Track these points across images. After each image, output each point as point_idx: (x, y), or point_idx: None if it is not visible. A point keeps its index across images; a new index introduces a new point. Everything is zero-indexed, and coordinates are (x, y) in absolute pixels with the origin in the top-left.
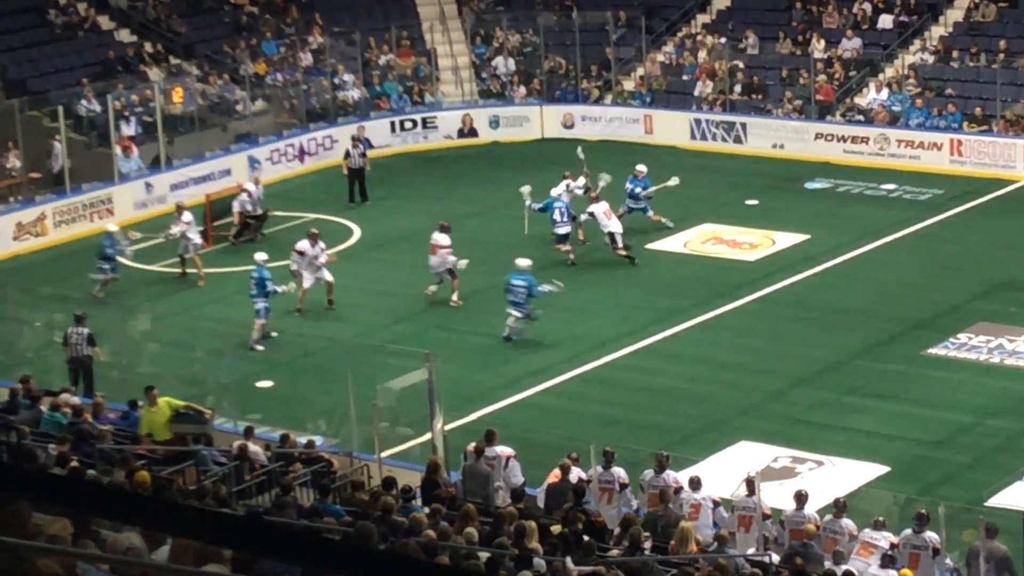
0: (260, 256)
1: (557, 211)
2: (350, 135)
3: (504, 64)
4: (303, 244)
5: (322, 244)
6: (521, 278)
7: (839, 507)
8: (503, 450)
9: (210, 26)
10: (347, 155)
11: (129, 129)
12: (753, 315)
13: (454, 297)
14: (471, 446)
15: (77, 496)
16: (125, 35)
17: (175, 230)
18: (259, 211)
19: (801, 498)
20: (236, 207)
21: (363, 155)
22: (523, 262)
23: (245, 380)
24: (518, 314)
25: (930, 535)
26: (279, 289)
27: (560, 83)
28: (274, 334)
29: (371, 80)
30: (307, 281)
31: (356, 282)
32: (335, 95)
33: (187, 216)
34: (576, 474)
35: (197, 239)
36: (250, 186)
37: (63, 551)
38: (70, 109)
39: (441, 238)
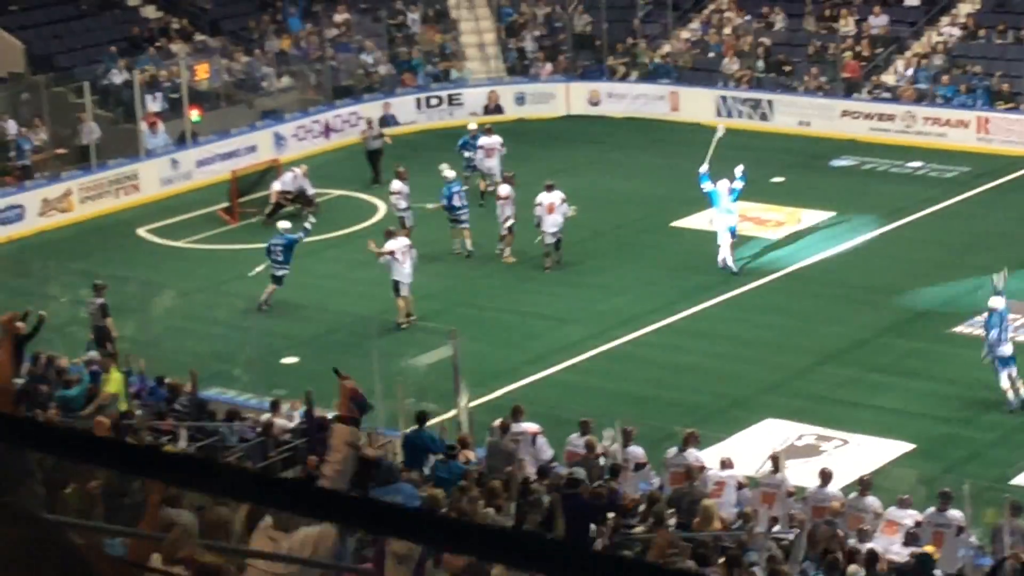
0: (284, 224)
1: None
2: (367, 118)
3: (530, 40)
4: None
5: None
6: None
7: (864, 485)
8: (529, 427)
9: (235, 2)
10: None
11: (155, 105)
12: (779, 292)
13: (506, 252)
14: (496, 422)
15: (126, 458)
16: (151, 11)
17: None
18: (305, 192)
19: (826, 476)
20: (277, 186)
21: (378, 137)
22: (999, 280)
23: (270, 356)
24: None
25: (954, 513)
26: (307, 226)
27: (584, 63)
28: (266, 301)
29: (398, 56)
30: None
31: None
32: (365, 71)
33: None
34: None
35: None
36: (297, 170)
37: (89, 526)
38: (96, 85)
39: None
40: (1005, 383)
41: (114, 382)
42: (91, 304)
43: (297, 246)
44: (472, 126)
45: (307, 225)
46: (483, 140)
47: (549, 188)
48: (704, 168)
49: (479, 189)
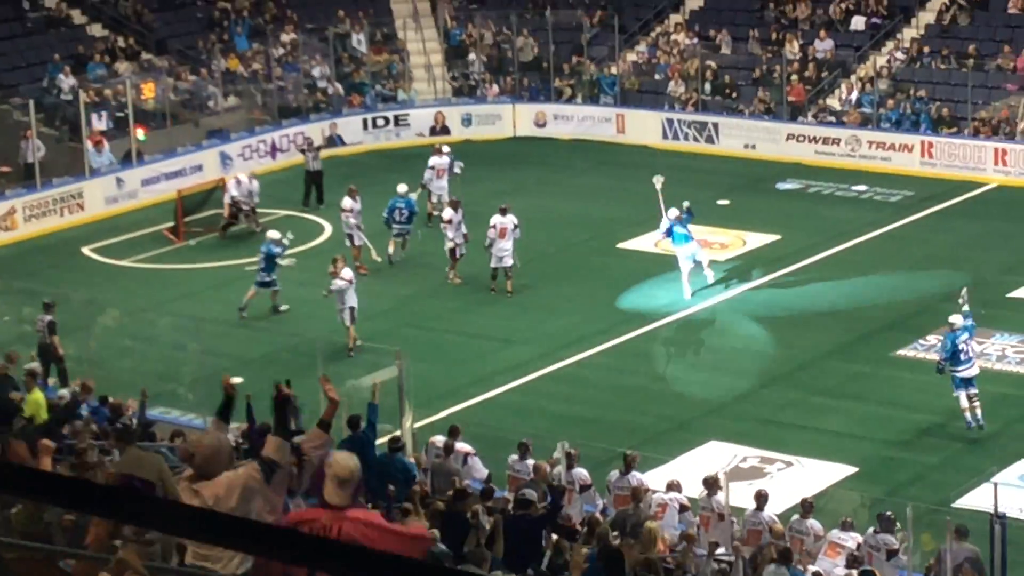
0: (273, 234)
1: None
2: (307, 138)
3: (477, 61)
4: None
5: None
6: (966, 331)
7: (806, 508)
8: (461, 447)
9: (182, 21)
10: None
11: (100, 124)
12: (723, 315)
13: (452, 274)
14: (438, 441)
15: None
16: (97, 29)
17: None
18: (251, 203)
19: (761, 498)
20: (227, 199)
21: (316, 158)
22: (957, 319)
23: (215, 376)
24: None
25: (886, 537)
26: (283, 263)
27: (531, 84)
28: (284, 307)
29: (348, 76)
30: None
31: (326, 278)
32: (313, 83)
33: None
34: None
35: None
36: (242, 176)
37: (37, 548)
38: (41, 103)
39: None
40: (964, 403)
41: (31, 404)
42: (40, 321)
43: (277, 259)
44: (445, 149)
45: (285, 241)
46: (433, 160)
47: (503, 211)
48: (664, 221)
49: (427, 211)
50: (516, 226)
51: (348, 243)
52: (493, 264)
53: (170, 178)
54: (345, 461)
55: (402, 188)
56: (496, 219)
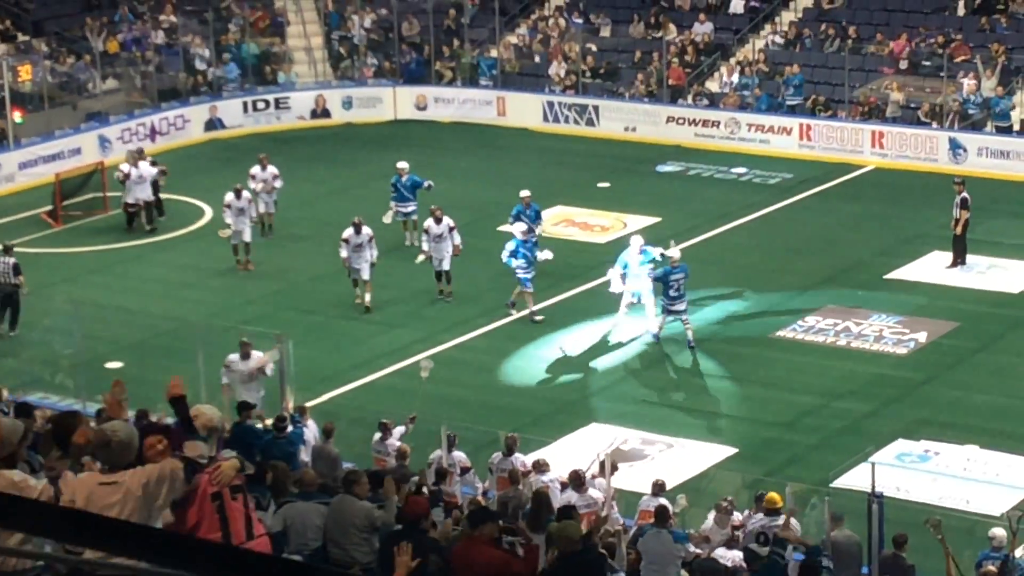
0: (520, 227)
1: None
2: (133, 151)
3: (358, 43)
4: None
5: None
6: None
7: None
8: (459, 457)
9: (59, 3)
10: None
11: None
12: (604, 297)
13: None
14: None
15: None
16: None
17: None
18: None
19: (657, 487)
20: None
21: (163, 173)
22: (675, 252)
23: (94, 361)
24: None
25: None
26: (542, 256)
27: (410, 67)
28: (539, 318)
29: (228, 46)
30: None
31: (206, 262)
32: (199, 72)
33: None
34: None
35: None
36: (124, 167)
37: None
38: None
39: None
40: (662, 322)
41: None
42: (3, 263)
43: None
44: (524, 193)
45: (542, 256)
46: (255, 170)
47: (357, 227)
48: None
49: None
50: (371, 238)
51: (237, 252)
52: (352, 275)
53: (48, 161)
54: (210, 412)
55: (402, 165)
56: (349, 233)
